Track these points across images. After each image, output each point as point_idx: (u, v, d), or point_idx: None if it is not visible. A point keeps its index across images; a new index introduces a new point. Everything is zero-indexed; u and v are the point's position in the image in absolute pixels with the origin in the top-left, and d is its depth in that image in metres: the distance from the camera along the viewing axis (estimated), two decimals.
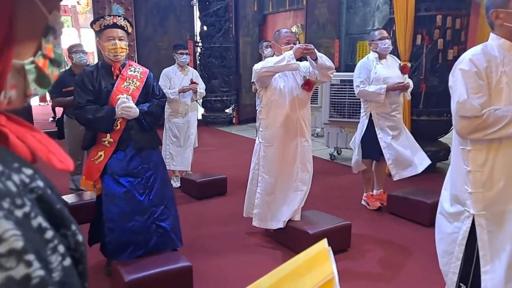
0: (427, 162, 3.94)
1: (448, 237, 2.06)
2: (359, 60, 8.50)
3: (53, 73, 0.49)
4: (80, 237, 0.41)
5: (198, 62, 9.45)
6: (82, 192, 4.15)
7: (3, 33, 0.41)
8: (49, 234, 0.35)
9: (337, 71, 3.65)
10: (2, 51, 0.41)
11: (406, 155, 3.87)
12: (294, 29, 9.55)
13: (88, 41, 9.98)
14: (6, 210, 0.32)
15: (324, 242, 0.62)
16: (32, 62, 0.45)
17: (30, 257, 0.32)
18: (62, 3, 0.49)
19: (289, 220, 3.26)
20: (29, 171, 0.37)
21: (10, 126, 0.44)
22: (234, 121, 9.83)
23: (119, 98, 2.65)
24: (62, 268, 0.36)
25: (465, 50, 4.88)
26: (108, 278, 2.79)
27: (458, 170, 2.00)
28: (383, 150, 3.87)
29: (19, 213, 0.33)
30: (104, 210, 2.65)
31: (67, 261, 0.37)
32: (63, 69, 4.32)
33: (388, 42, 3.80)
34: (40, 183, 0.37)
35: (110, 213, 2.64)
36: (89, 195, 3.84)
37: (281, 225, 3.24)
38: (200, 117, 7.71)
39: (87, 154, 3.14)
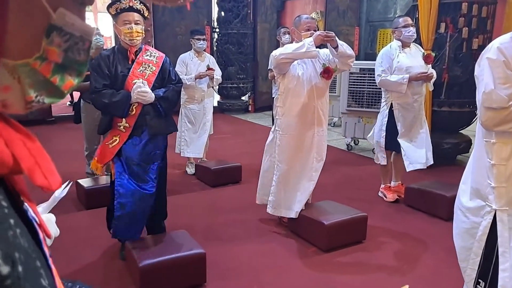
0: (429, 162, 3.86)
1: (466, 233, 2.00)
2: (379, 49, 8.32)
3: (66, 81, 0.43)
4: (3, 269, 0.34)
5: (215, 48, 9.40)
6: (98, 176, 4.18)
7: None
8: None
9: (356, 60, 3.56)
10: None
11: (420, 148, 3.80)
12: (313, 15, 9.39)
13: (106, 25, 10.00)
14: None
15: None
16: (27, 64, 0.40)
17: None
18: None
19: (303, 209, 3.23)
20: None
21: (4, 131, 0.40)
22: (250, 109, 9.78)
23: (135, 82, 2.63)
24: None
25: (490, 39, 4.70)
26: (121, 263, 2.80)
27: (480, 164, 1.92)
28: (399, 140, 3.78)
29: None
30: (116, 185, 2.63)
31: None
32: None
33: (412, 30, 3.69)
34: None
35: (123, 188, 2.62)
36: (105, 180, 3.87)
37: (293, 215, 3.21)
38: (216, 104, 7.70)
39: (103, 138, 3.15)
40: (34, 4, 0.39)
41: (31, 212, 0.44)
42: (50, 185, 0.43)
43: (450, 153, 5.07)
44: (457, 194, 2.08)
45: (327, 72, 3.09)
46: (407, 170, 3.85)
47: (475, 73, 1.90)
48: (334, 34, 2.87)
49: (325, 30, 2.96)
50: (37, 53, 0.40)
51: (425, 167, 3.87)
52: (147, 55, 2.73)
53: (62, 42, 0.41)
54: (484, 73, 1.81)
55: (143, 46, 2.77)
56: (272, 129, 3.36)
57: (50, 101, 0.43)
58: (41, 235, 0.45)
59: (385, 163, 3.98)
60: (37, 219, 0.45)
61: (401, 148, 3.80)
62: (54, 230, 1.14)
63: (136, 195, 2.63)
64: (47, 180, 0.42)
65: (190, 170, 4.88)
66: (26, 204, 0.45)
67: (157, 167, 2.75)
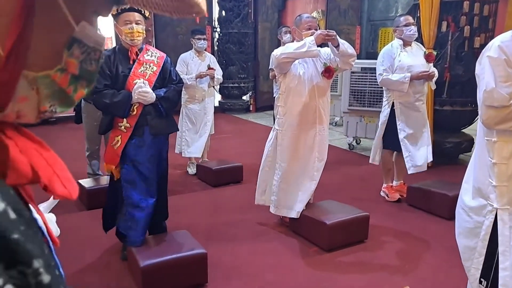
0: (429, 158, 3.86)
1: (470, 232, 1.99)
2: (380, 48, 8.29)
3: (78, 91, 0.43)
4: (45, 278, 0.34)
5: (215, 47, 9.39)
6: (99, 176, 4.18)
7: (14, 36, 0.36)
8: None
9: (358, 59, 3.55)
10: (10, 57, 0.36)
11: (421, 150, 3.79)
12: (314, 14, 9.37)
13: (107, 25, 10.00)
14: None
15: None
16: (48, 76, 0.40)
17: None
18: None
19: (305, 209, 3.22)
20: None
21: (17, 140, 0.40)
22: (251, 109, 9.77)
23: (136, 83, 2.62)
24: None
25: (492, 38, 4.65)
26: (123, 263, 2.80)
27: (482, 162, 1.92)
28: (400, 141, 3.78)
29: None
30: (125, 196, 2.67)
31: None
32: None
33: (413, 28, 3.68)
34: None
35: (132, 199, 2.66)
36: (106, 180, 3.86)
37: (295, 215, 3.20)
38: (217, 104, 7.70)
39: (105, 139, 3.15)
40: (59, 19, 0.39)
41: (39, 221, 0.44)
42: (70, 194, 0.42)
43: (452, 152, 5.06)
44: (460, 193, 2.07)
45: (328, 71, 3.08)
46: (409, 173, 3.84)
47: (476, 72, 1.89)
48: (335, 33, 2.86)
49: (326, 29, 2.95)
50: (58, 65, 0.40)
51: (425, 169, 3.86)
52: (148, 55, 2.73)
53: (80, 54, 0.42)
54: (485, 72, 1.80)
55: (144, 46, 2.76)
56: (273, 129, 3.36)
57: (61, 110, 0.43)
58: (51, 243, 0.45)
59: (378, 163, 3.98)
60: (44, 228, 0.45)
61: (404, 149, 3.79)
62: (54, 230, 1.13)
63: (147, 183, 2.69)
64: (66, 189, 0.42)
65: (192, 170, 4.88)
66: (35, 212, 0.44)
67: (159, 167, 2.77)
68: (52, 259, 0.40)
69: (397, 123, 3.78)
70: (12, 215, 0.32)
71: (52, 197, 1.16)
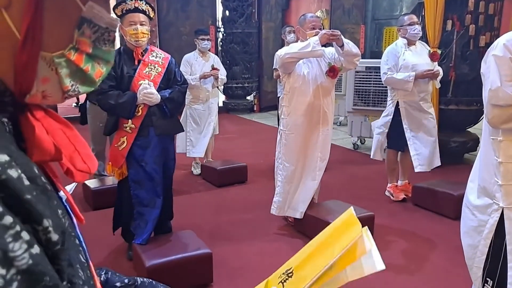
0: (437, 163, 3.85)
1: (473, 231, 1.99)
2: (385, 47, 8.26)
3: (96, 69, 0.46)
4: (54, 236, 0.37)
5: (219, 47, 9.40)
6: (104, 177, 4.20)
7: (28, 19, 0.39)
8: (7, 219, 0.32)
9: (362, 58, 3.56)
10: (27, 39, 0.40)
11: (429, 149, 3.79)
12: (318, 14, 9.36)
13: None
14: None
15: (350, 210, 0.61)
16: (62, 55, 0.43)
17: None
18: None
19: (310, 209, 3.22)
20: (3, 157, 0.35)
21: (45, 121, 0.44)
22: (255, 109, 9.77)
23: (141, 84, 2.63)
24: (30, 256, 0.33)
25: (498, 36, 4.64)
26: (128, 263, 2.81)
27: (487, 161, 1.91)
28: (407, 141, 3.76)
29: None
30: (133, 195, 2.70)
31: (36, 249, 0.34)
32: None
33: (418, 27, 3.67)
34: (12, 172, 0.35)
35: (139, 198, 2.69)
36: (111, 180, 3.88)
37: (298, 215, 3.20)
38: (221, 104, 7.70)
39: (110, 140, 3.16)
40: (67, 1, 0.42)
41: (64, 199, 0.48)
42: (89, 168, 0.47)
43: (458, 152, 5.04)
44: (465, 192, 2.07)
45: (332, 71, 3.07)
46: (416, 171, 3.83)
47: (481, 71, 1.88)
48: (339, 33, 2.86)
49: (330, 29, 2.95)
50: (70, 44, 0.43)
51: (433, 167, 3.85)
52: (153, 56, 2.73)
53: (91, 34, 0.45)
54: (490, 71, 1.79)
55: (149, 47, 2.77)
56: (279, 129, 3.36)
57: (84, 90, 0.47)
58: (74, 220, 0.48)
59: (381, 159, 3.97)
60: (70, 206, 0.49)
61: (412, 148, 3.78)
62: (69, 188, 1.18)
63: (154, 184, 2.71)
64: (86, 165, 0.46)
65: (196, 170, 4.89)
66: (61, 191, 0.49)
67: (165, 168, 2.78)
68: (73, 229, 0.43)
69: (403, 123, 3.77)
70: (26, 181, 0.36)
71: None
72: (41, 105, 0.45)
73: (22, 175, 0.36)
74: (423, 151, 3.80)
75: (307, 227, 3.23)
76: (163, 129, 2.73)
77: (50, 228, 0.37)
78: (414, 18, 3.73)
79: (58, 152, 0.43)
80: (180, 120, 3.86)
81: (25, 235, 0.33)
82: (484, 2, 4.62)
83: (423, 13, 4.83)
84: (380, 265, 0.55)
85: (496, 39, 1.88)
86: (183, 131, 3.21)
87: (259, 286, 0.64)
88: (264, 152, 5.47)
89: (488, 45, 4.49)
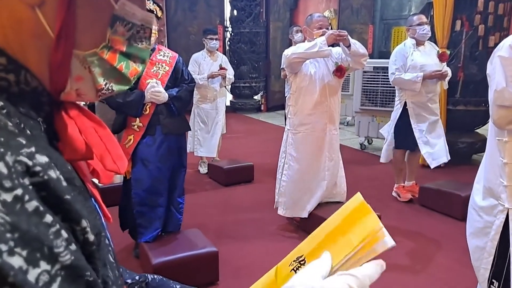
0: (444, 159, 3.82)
1: (480, 232, 1.98)
2: (393, 47, 8.21)
3: (131, 68, 0.46)
4: (91, 237, 0.38)
5: (227, 47, 9.42)
6: None
7: (61, 18, 0.39)
8: (49, 218, 0.33)
9: (370, 58, 3.54)
10: (60, 38, 0.40)
11: (438, 146, 3.77)
12: (326, 14, 9.34)
13: None
14: None
15: (358, 196, 0.59)
16: (95, 54, 0.43)
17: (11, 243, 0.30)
18: None
19: (316, 209, 3.22)
20: (43, 158, 0.35)
21: (78, 119, 0.44)
22: (262, 108, 9.78)
23: (149, 82, 2.65)
24: (70, 252, 0.34)
25: (507, 36, 4.62)
26: (135, 260, 2.84)
27: (493, 162, 1.90)
28: (417, 140, 3.74)
29: (7, 196, 0.31)
30: (133, 194, 2.71)
31: (73, 247, 0.35)
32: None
33: (427, 28, 3.65)
34: (51, 173, 0.35)
35: (140, 197, 2.70)
36: (119, 178, 3.91)
37: (305, 214, 3.20)
38: (228, 103, 7.72)
39: (118, 138, 3.19)
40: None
41: (93, 199, 0.48)
42: (119, 169, 0.47)
43: (466, 152, 5.00)
44: (471, 193, 2.06)
45: (339, 71, 3.07)
46: (431, 167, 3.82)
47: (487, 71, 1.88)
48: (346, 33, 2.85)
49: (338, 28, 2.95)
50: (103, 42, 0.43)
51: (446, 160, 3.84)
52: (161, 55, 2.75)
53: (125, 31, 0.44)
54: (496, 71, 1.79)
55: (157, 46, 2.79)
56: (285, 129, 3.36)
57: (118, 89, 0.47)
58: (103, 219, 0.49)
59: (385, 161, 3.96)
60: (98, 206, 0.49)
61: (422, 147, 3.77)
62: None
63: (156, 182, 2.72)
64: (116, 165, 0.46)
65: (203, 169, 4.91)
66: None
67: (171, 167, 2.79)
68: (103, 229, 0.44)
69: (412, 123, 3.75)
70: (64, 183, 0.36)
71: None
72: (76, 103, 0.45)
73: (61, 176, 0.36)
74: (433, 148, 3.78)
75: (313, 226, 3.19)
76: (170, 127, 2.75)
77: (88, 229, 0.38)
78: (423, 18, 3.72)
79: (89, 151, 0.43)
80: (189, 120, 3.88)
81: (64, 233, 0.34)
82: (494, 2, 4.58)
83: (432, 13, 4.80)
84: (391, 242, 0.56)
85: None
86: (190, 129, 3.23)
87: (268, 274, 0.63)
88: (271, 151, 5.47)
89: (497, 45, 4.46)
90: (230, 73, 4.77)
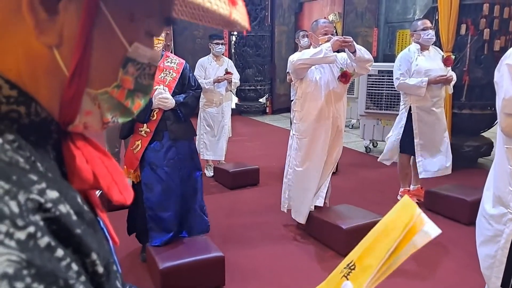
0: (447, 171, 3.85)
1: (490, 240, 1.98)
2: (398, 50, 8.20)
3: (136, 102, 0.48)
4: (100, 269, 0.39)
5: (233, 50, 9.46)
6: None
7: (76, 58, 0.41)
8: (60, 252, 0.34)
9: (375, 61, 3.55)
10: (74, 76, 0.41)
11: (438, 158, 3.79)
12: (331, 17, 9.36)
13: None
14: (4, 233, 0.31)
15: (405, 197, 0.61)
16: (106, 92, 0.45)
17: (27, 280, 0.31)
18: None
19: (321, 213, 3.24)
20: (54, 194, 0.36)
21: (84, 149, 0.45)
22: (267, 111, 9.81)
23: (156, 89, 2.68)
24: (81, 283, 0.35)
25: None
26: (142, 264, 2.86)
27: (501, 170, 1.91)
28: (415, 146, 3.77)
29: (21, 234, 0.32)
30: (144, 199, 2.75)
31: (83, 278, 0.36)
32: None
33: (431, 33, 3.66)
34: (61, 208, 0.37)
35: (150, 202, 2.74)
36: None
37: (303, 220, 3.28)
38: (233, 106, 7.75)
39: (125, 143, 3.22)
40: (114, 41, 0.44)
41: (101, 222, 0.49)
42: (126, 200, 0.47)
43: (471, 156, 4.99)
44: (481, 201, 2.06)
45: (344, 76, 3.09)
46: (420, 177, 3.85)
47: (495, 79, 1.89)
48: (352, 39, 2.87)
49: (343, 32, 2.97)
50: (115, 82, 0.45)
51: (440, 175, 3.85)
52: (168, 61, 2.79)
53: (135, 71, 0.46)
54: (504, 79, 1.80)
55: (164, 52, 2.82)
56: (291, 134, 3.39)
57: (122, 120, 0.49)
58: (111, 243, 0.50)
59: (388, 164, 3.99)
60: (106, 229, 0.50)
61: (418, 154, 3.79)
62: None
63: (165, 186, 2.74)
64: (122, 196, 0.47)
65: (209, 172, 4.94)
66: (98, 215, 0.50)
67: (180, 171, 2.80)
68: (111, 256, 0.45)
69: (414, 128, 3.76)
70: (74, 217, 0.38)
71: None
72: (82, 133, 0.47)
73: (71, 210, 0.37)
74: (430, 158, 3.80)
75: (318, 231, 3.25)
76: (177, 133, 2.78)
77: (98, 262, 0.39)
78: (428, 23, 3.72)
79: (97, 181, 0.44)
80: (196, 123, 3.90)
81: (75, 266, 0.35)
82: (499, 6, 4.58)
83: (436, 17, 4.81)
84: (434, 229, 0.56)
85: (511, 43, 1.88)
86: (196, 135, 3.26)
87: None
88: (276, 154, 5.49)
89: (503, 49, 4.47)
90: (235, 78, 4.81)
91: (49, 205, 0.35)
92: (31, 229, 0.33)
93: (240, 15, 0.45)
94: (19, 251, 0.31)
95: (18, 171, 0.35)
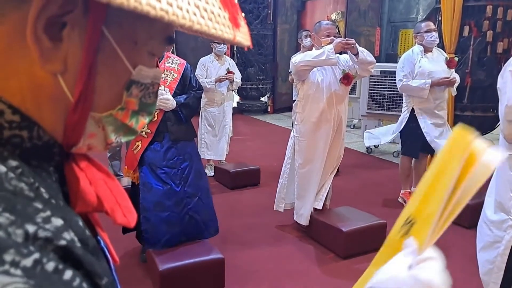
0: None
1: (489, 246, 1.98)
2: (401, 50, 8.18)
3: (139, 122, 0.48)
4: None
5: (234, 49, 9.44)
6: (120, 178, 4.27)
7: (81, 84, 0.41)
8: (68, 274, 0.34)
9: (377, 61, 3.53)
10: (79, 102, 0.42)
11: None
12: (334, 16, 9.33)
13: None
14: (9, 263, 0.31)
15: (457, 128, 0.51)
16: (110, 115, 0.45)
17: None
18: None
19: (322, 215, 3.23)
20: (58, 221, 0.36)
21: (87, 170, 0.45)
22: (269, 110, 9.80)
23: None
24: None
25: None
26: (142, 265, 2.86)
27: (503, 177, 1.90)
28: (430, 143, 3.70)
29: (27, 262, 0.32)
30: (141, 199, 2.72)
31: None
32: None
33: (435, 35, 3.64)
34: (66, 235, 0.37)
35: (147, 202, 2.70)
36: (126, 181, 3.94)
37: (304, 222, 3.26)
38: (235, 105, 7.74)
39: (126, 143, 3.22)
40: (118, 66, 0.43)
41: (102, 242, 0.49)
42: (129, 222, 0.47)
43: None
44: (483, 206, 2.06)
45: (346, 78, 3.08)
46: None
47: (497, 85, 1.88)
48: (354, 42, 2.86)
49: (345, 30, 2.97)
50: (119, 105, 0.45)
51: None
52: (169, 62, 2.78)
53: (138, 92, 0.46)
54: (507, 86, 1.79)
55: (165, 53, 2.81)
56: (291, 135, 3.38)
57: (125, 139, 0.49)
58: (111, 262, 0.50)
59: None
60: (107, 248, 0.50)
61: (438, 150, 3.75)
62: None
63: (163, 187, 2.71)
64: (126, 218, 0.47)
65: (209, 172, 4.93)
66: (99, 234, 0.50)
67: (180, 172, 2.78)
68: (111, 275, 0.44)
69: (422, 128, 3.73)
70: (78, 244, 0.38)
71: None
72: (86, 154, 0.47)
73: (75, 237, 0.37)
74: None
75: (318, 233, 3.25)
76: (177, 134, 2.77)
77: (109, 284, 0.39)
78: (432, 25, 3.71)
79: (101, 204, 0.44)
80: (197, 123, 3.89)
81: (85, 285, 0.35)
82: (503, 8, 4.55)
83: (439, 18, 4.78)
84: (495, 154, 0.47)
85: None
86: (196, 136, 3.25)
87: (382, 250, 0.60)
88: (277, 154, 5.47)
89: (505, 51, 4.44)
90: (237, 77, 4.80)
91: (54, 234, 0.35)
92: (37, 255, 0.33)
93: (242, 36, 0.45)
94: (26, 278, 0.31)
95: (23, 200, 0.35)
